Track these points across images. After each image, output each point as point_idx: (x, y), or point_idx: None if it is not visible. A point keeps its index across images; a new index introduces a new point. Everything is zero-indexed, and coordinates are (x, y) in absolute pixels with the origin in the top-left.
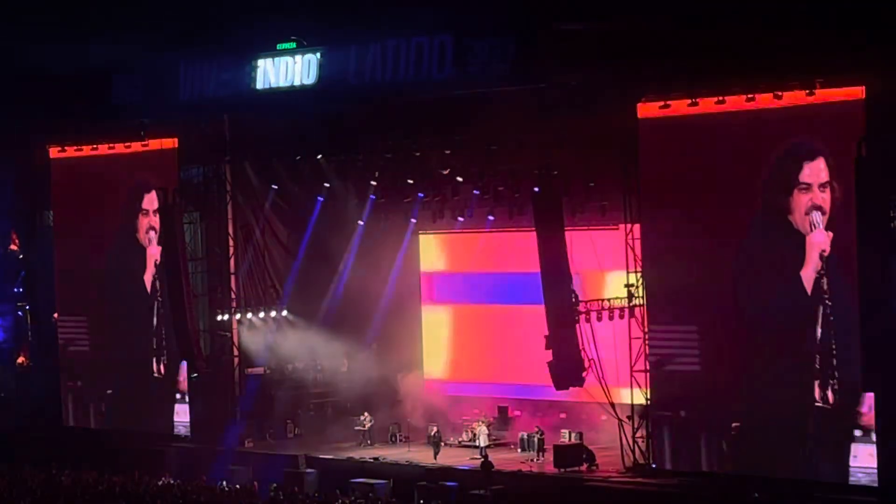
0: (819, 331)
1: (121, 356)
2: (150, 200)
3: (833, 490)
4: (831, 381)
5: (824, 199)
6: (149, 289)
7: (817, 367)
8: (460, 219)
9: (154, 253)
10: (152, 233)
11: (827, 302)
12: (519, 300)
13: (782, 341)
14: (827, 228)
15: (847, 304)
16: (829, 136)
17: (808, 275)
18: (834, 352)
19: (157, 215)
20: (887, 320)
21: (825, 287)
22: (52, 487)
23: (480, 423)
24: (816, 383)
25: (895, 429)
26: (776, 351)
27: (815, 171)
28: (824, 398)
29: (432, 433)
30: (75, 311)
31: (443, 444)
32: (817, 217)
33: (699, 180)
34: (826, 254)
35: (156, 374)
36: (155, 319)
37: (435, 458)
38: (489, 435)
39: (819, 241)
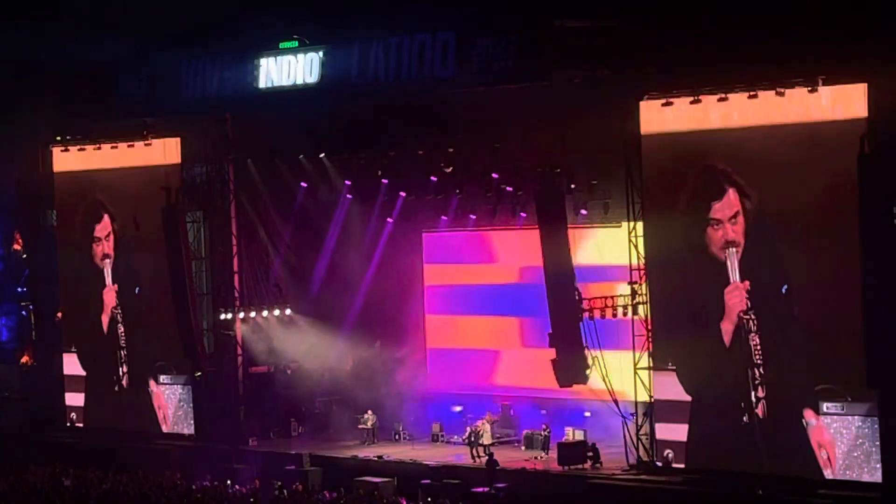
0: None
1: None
2: (103, 227)
3: (837, 487)
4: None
5: (736, 231)
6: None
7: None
8: (472, 216)
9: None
10: (107, 260)
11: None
12: (522, 297)
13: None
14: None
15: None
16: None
17: (727, 328)
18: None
19: (110, 240)
20: (890, 319)
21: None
22: (56, 486)
23: (484, 421)
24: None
25: None
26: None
27: (726, 205)
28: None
29: (467, 432)
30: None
31: (480, 443)
32: (732, 253)
33: (699, 178)
34: (744, 311)
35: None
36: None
37: (474, 458)
38: (492, 433)
39: (735, 301)
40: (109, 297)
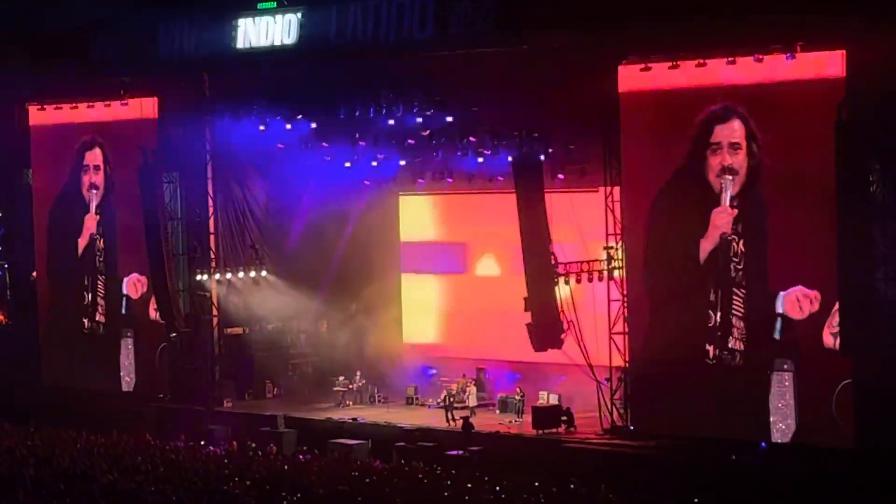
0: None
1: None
2: (94, 156)
3: (811, 454)
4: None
5: (735, 160)
6: (80, 252)
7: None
8: (449, 180)
9: (91, 216)
10: (94, 191)
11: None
12: (499, 262)
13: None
14: (733, 200)
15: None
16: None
17: (705, 247)
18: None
19: (98, 172)
20: (866, 285)
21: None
22: (30, 446)
23: (469, 383)
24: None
25: (871, 393)
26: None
27: (728, 132)
28: (717, 358)
29: (443, 395)
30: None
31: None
32: (727, 181)
33: (677, 143)
34: (727, 235)
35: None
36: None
37: (448, 422)
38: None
39: (722, 221)
40: (91, 223)
